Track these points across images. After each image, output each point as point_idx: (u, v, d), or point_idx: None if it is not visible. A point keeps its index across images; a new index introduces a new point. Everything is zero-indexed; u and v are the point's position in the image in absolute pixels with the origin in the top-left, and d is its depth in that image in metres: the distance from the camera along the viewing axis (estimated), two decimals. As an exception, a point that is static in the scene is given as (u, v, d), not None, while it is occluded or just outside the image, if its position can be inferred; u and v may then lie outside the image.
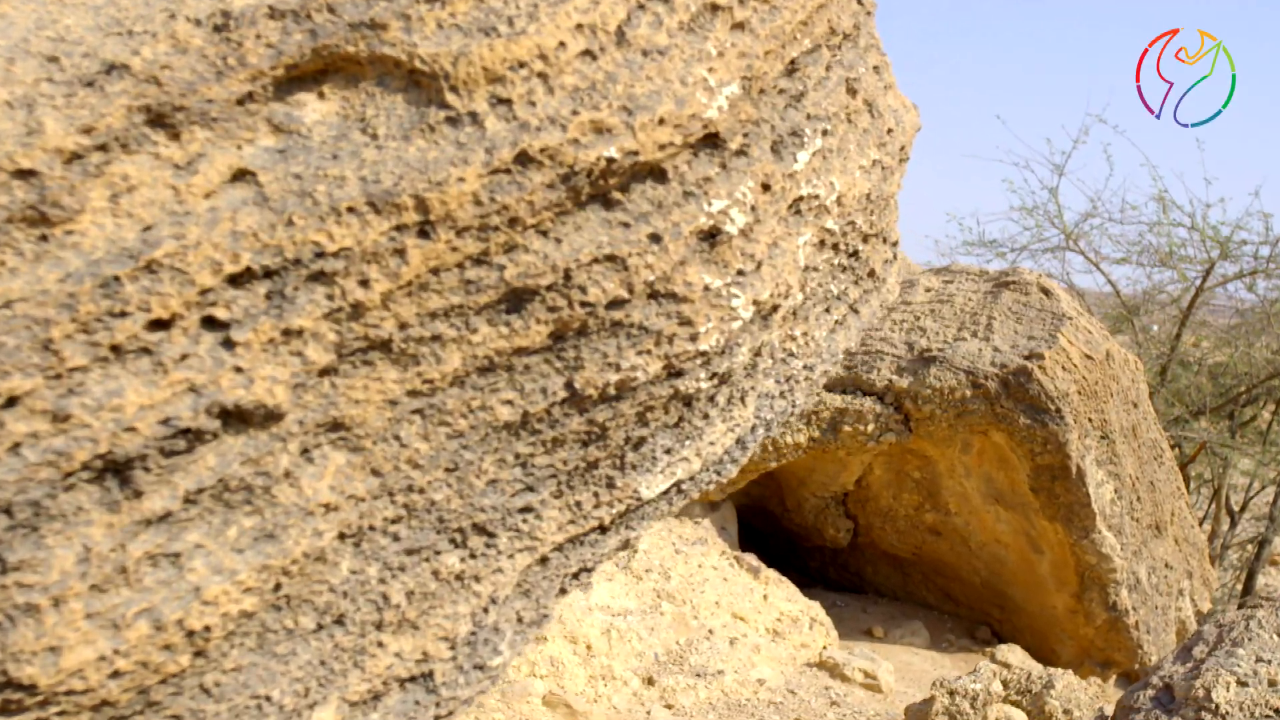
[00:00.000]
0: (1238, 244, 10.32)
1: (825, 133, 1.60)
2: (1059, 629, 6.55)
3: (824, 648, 5.73)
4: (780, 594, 5.96)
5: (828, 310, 1.80)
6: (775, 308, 1.55)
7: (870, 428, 6.16)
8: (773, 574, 6.06)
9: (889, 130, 1.81)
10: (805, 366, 1.77)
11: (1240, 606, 9.12)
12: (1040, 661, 6.49)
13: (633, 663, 4.76)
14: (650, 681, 4.64)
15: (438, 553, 1.36)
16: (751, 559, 6.09)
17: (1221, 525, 10.84)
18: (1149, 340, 10.96)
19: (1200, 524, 11.38)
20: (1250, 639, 3.81)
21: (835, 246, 1.72)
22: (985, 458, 6.22)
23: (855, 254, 1.82)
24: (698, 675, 4.81)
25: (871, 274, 1.90)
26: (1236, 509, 11.22)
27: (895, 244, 1.97)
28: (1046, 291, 6.34)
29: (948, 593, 7.05)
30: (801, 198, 1.57)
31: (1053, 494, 6.01)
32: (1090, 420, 6.02)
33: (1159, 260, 10.75)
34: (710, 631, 5.22)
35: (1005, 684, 4.11)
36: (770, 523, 7.32)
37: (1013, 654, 6.41)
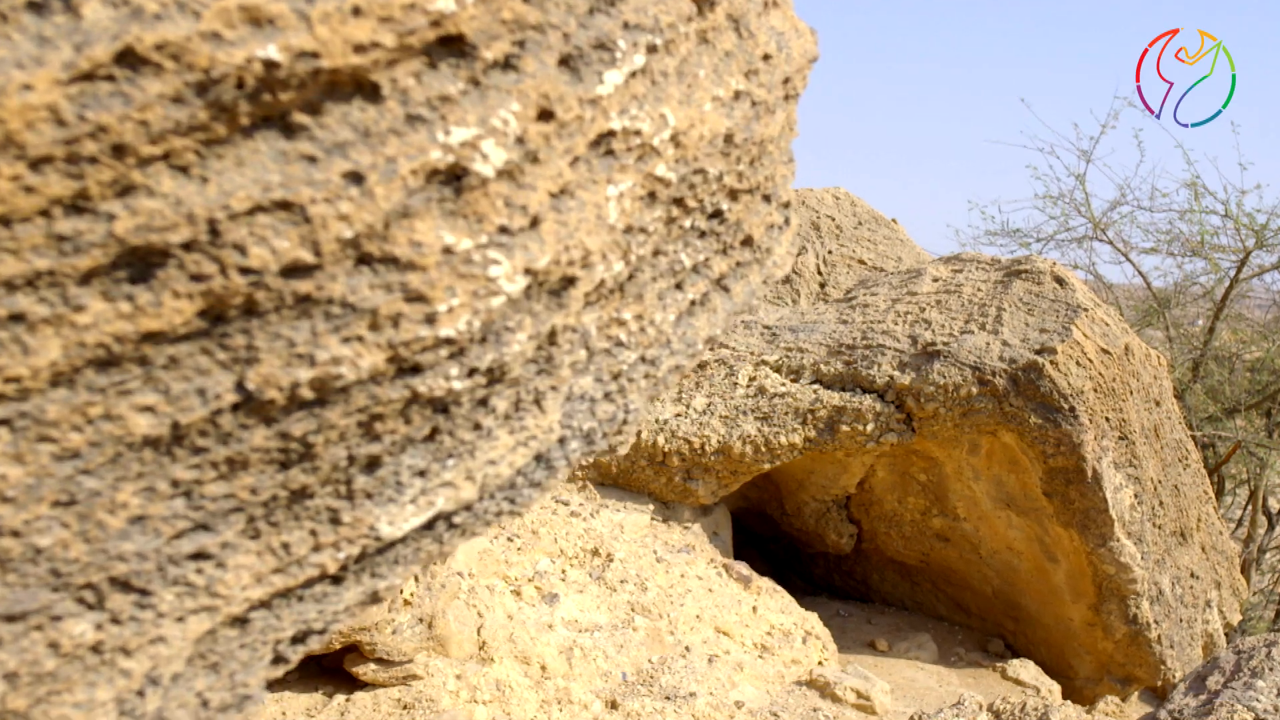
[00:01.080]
0: (1275, 232, 9.80)
1: (653, 49, 1.20)
2: (1076, 642, 6.11)
3: (818, 664, 5.32)
4: (773, 605, 5.56)
5: (678, 287, 1.39)
6: (570, 280, 1.15)
7: (870, 428, 5.74)
8: (766, 583, 5.66)
9: (765, 56, 1.41)
10: (644, 360, 1.36)
11: (1277, 618, 8.55)
12: (1056, 677, 6.06)
13: (596, 684, 4.37)
14: (613, 705, 4.25)
15: (56, 618, 0.97)
16: (742, 567, 5.69)
17: (1258, 529, 10.32)
18: (1180, 335, 10.45)
19: (1236, 528, 10.89)
20: (1271, 669, 3.38)
21: (680, 203, 1.31)
22: (994, 460, 5.78)
23: (719, 215, 1.42)
24: (667, 698, 4.41)
25: (747, 241, 1.49)
26: (1275, 511, 10.70)
27: (786, 206, 1.56)
28: (1061, 281, 5.89)
29: (958, 603, 6.62)
30: (612, 133, 1.16)
31: (1067, 499, 5.57)
32: (1107, 420, 5.58)
33: (1191, 250, 10.24)
34: (687, 649, 4.82)
35: (997, 715, 3.69)
36: (772, 527, 6.91)
37: (1025, 670, 5.98)
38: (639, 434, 5.95)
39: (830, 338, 6.19)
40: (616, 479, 6.08)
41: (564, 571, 5.02)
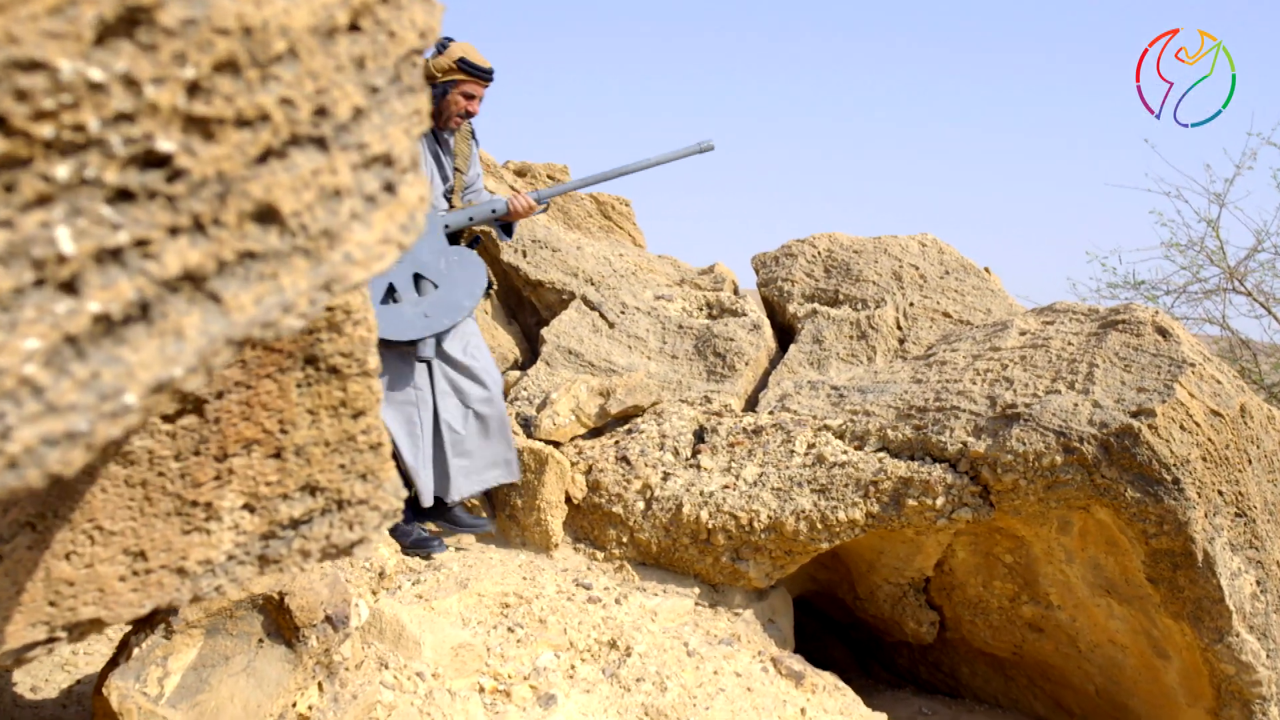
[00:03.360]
0: None
1: None
2: (1194, 753, 5.23)
3: (877, 778, 4.60)
4: (831, 705, 4.84)
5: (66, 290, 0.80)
6: None
7: (940, 502, 5.01)
8: (826, 679, 4.94)
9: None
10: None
11: None
12: (1171, 793, 5.19)
13: (580, 808, 3.74)
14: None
15: None
16: (795, 661, 4.99)
17: None
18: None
19: None
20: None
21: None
22: (1089, 540, 4.99)
23: (162, 163, 0.83)
24: (665, 826, 3.75)
25: (266, 215, 0.90)
26: None
27: (380, 161, 0.97)
28: (1164, 332, 5.10)
29: (1058, 701, 5.78)
30: None
31: (1175, 586, 4.76)
32: (1220, 493, 4.76)
33: (1343, 301, 9.19)
34: (704, 763, 4.16)
35: None
36: (849, 613, 6.18)
37: (1130, 786, 5.14)
38: (680, 508, 5.33)
39: (900, 399, 5.49)
40: (658, 559, 5.45)
41: (571, 668, 4.41)
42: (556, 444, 5.98)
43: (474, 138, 5.41)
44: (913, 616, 5.67)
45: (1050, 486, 4.81)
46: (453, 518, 5.31)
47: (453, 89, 5.04)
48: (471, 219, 5.19)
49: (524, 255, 7.11)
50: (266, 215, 0.91)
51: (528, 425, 6.14)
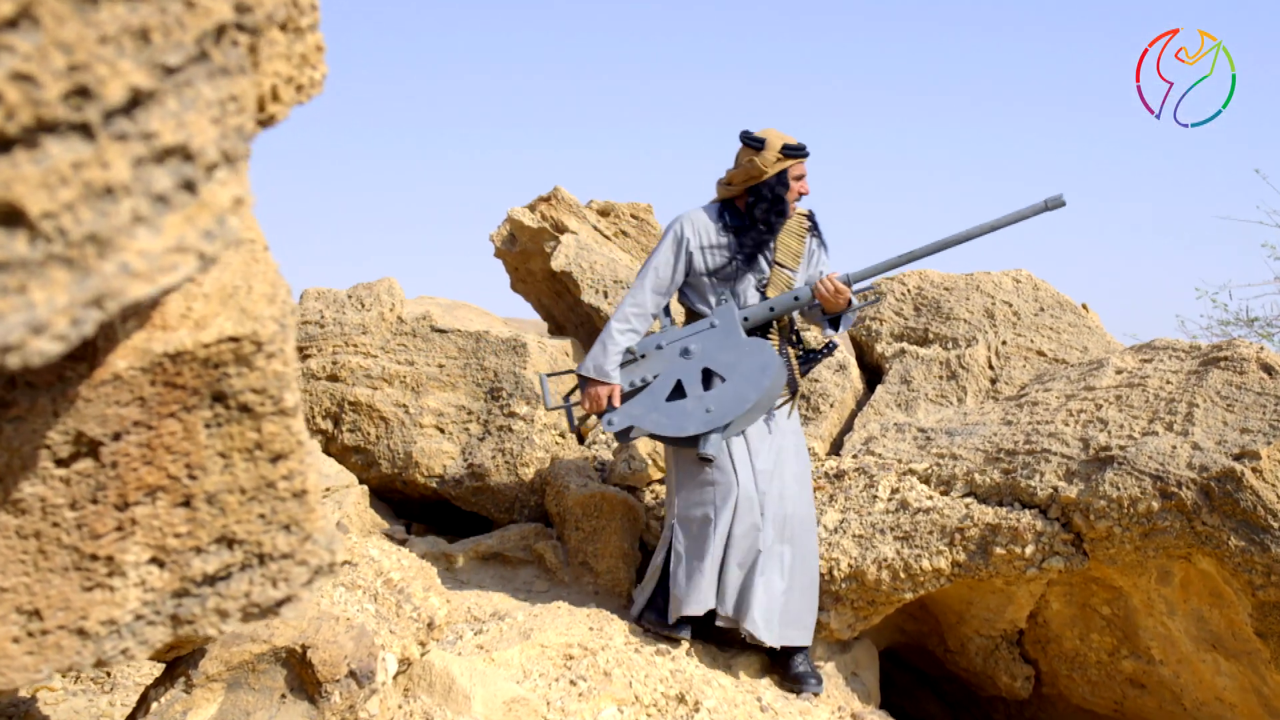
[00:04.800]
0: None
1: None
2: (1312, 822, 4.86)
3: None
4: (915, 765, 4.60)
5: None
6: None
7: (1029, 550, 4.74)
8: (910, 737, 4.70)
9: None
10: None
11: None
12: None
13: None
14: None
15: None
16: (878, 717, 4.76)
17: None
18: None
19: None
20: None
21: None
22: (1191, 591, 4.68)
23: None
24: None
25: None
26: None
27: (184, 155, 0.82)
28: (1269, 369, 4.78)
29: (1165, 762, 5.43)
30: None
31: (1286, 641, 4.43)
32: (1333, 542, 4.42)
33: None
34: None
35: None
36: (940, 665, 5.90)
37: None
38: (756, 556, 5.12)
39: (989, 442, 5.23)
40: (735, 609, 5.24)
41: (636, 723, 4.24)
42: (632, 489, 5.83)
43: (814, 233, 5.14)
44: (1006, 670, 5.39)
45: (1147, 534, 4.52)
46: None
47: (787, 176, 4.90)
48: (773, 309, 4.88)
49: (605, 296, 6.99)
50: (9, 216, 0.78)
51: (603, 470, 6.00)
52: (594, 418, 5.87)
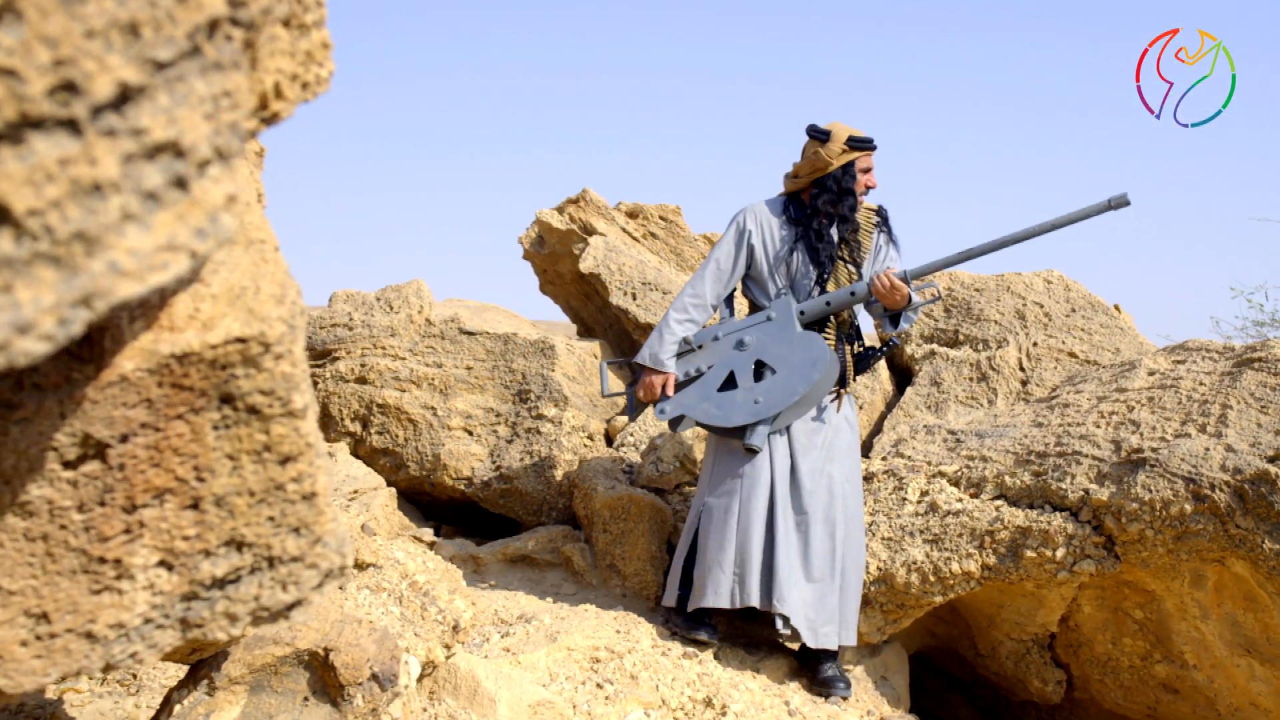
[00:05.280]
0: None
1: None
2: (1350, 829, 4.79)
3: None
4: (944, 770, 4.56)
5: None
6: None
7: (1060, 553, 4.69)
8: (939, 742, 4.66)
9: None
10: None
11: None
12: None
13: None
14: None
15: None
16: (906, 722, 4.72)
17: None
18: None
19: None
20: None
21: None
22: (1226, 595, 4.63)
23: None
24: None
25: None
26: None
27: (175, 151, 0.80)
28: (1305, 370, 4.72)
29: (1199, 769, 5.36)
30: None
31: (1322, 646, 4.37)
32: (1370, 545, 4.36)
33: None
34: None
35: None
36: (971, 669, 5.86)
37: None
38: (783, 559, 5.09)
39: (1019, 444, 5.18)
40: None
41: (663, 726, 4.22)
42: (661, 491, 5.81)
43: (882, 229, 5.09)
44: (1037, 675, 5.33)
45: (1180, 537, 4.47)
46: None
47: (854, 168, 4.88)
48: (829, 304, 4.83)
49: (633, 298, 6.98)
50: (-7, 214, 0.76)
51: (631, 472, 5.98)
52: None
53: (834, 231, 4.94)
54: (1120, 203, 4.39)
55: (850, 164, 4.84)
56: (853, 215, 4.90)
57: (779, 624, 4.67)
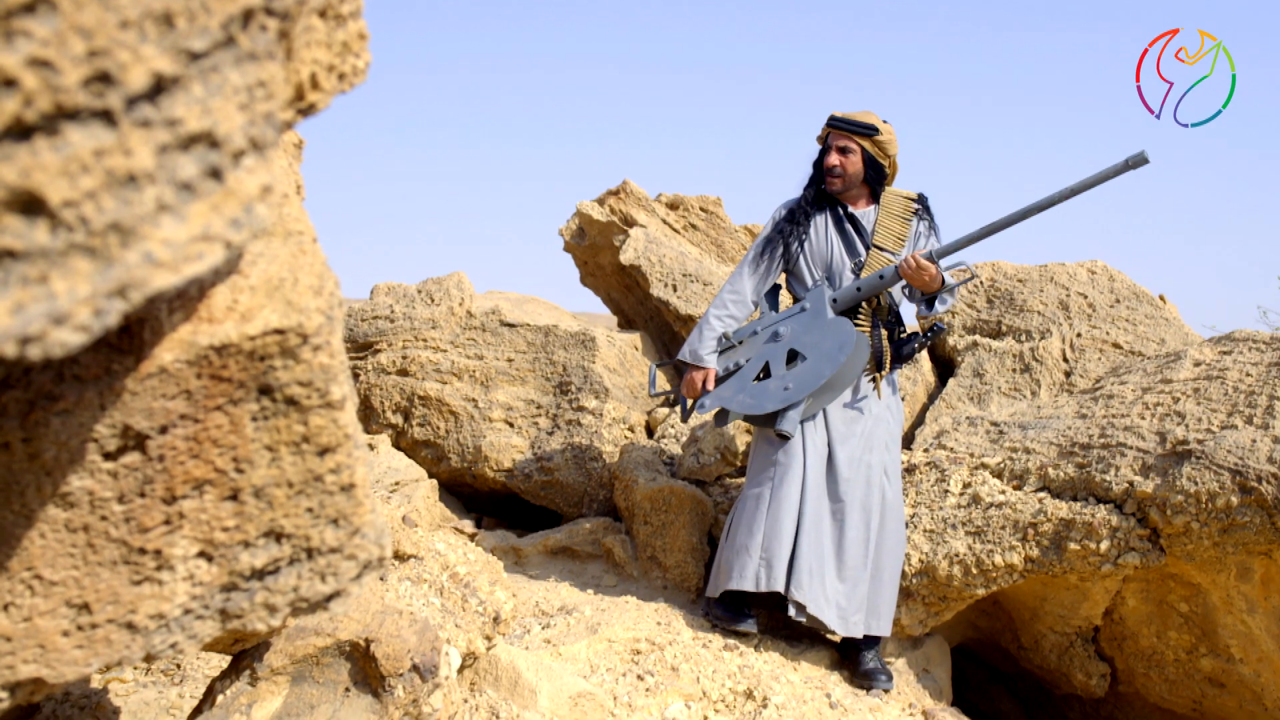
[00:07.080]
0: None
1: None
2: (1401, 826, 4.73)
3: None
4: (987, 763, 4.53)
5: None
6: None
7: (1104, 546, 4.65)
8: (982, 735, 4.63)
9: None
10: None
11: None
12: None
13: None
14: None
15: None
16: (950, 714, 4.69)
17: None
18: None
19: None
20: None
21: None
22: (1273, 588, 4.57)
23: None
24: None
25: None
26: None
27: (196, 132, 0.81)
28: (1354, 360, 4.65)
29: (1246, 763, 5.30)
30: None
31: (1372, 640, 4.31)
32: None
33: None
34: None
35: None
36: (1014, 662, 5.82)
37: None
38: (824, 551, 5.07)
39: (1063, 435, 5.14)
40: (804, 604, 5.20)
41: (704, 719, 4.21)
42: (701, 483, 5.80)
43: (921, 216, 5.02)
44: (1081, 668, 5.29)
45: (1226, 530, 4.41)
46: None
47: (830, 144, 4.93)
48: (860, 290, 4.80)
49: (674, 290, 6.97)
50: (29, 205, 0.77)
51: (672, 464, 5.97)
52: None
53: (867, 218, 4.93)
54: (1138, 161, 4.19)
55: (826, 141, 4.88)
56: (818, 190, 4.95)
57: (792, 610, 4.65)
